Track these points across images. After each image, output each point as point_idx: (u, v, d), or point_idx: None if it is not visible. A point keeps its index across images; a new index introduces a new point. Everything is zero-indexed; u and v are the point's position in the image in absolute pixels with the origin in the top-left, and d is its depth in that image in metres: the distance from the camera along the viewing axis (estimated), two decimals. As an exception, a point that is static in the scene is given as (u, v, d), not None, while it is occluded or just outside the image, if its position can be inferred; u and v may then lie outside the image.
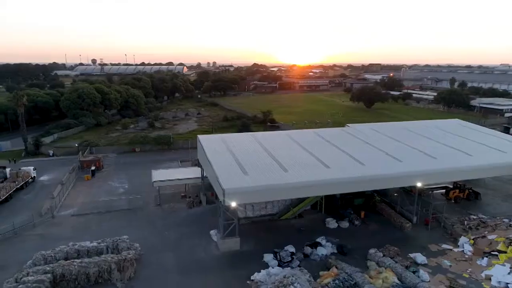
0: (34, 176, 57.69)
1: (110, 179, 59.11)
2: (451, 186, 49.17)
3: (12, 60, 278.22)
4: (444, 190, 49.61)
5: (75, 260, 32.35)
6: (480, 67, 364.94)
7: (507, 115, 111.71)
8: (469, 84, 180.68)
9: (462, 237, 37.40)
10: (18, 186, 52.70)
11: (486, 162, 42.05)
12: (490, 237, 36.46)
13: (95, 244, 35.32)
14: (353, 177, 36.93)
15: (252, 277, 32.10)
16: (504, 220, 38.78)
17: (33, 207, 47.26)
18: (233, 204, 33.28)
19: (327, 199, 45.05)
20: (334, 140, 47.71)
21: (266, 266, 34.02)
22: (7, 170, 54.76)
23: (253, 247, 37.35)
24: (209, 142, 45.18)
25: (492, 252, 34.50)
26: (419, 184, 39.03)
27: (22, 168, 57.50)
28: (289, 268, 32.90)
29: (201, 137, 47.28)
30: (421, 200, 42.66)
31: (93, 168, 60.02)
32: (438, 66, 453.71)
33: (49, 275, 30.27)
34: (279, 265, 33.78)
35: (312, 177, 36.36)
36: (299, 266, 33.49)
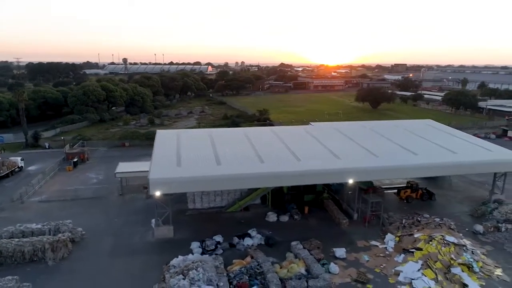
0: (22, 166, 62.43)
1: (89, 170, 63.01)
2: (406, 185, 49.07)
3: (50, 59, 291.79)
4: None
5: (14, 239, 35.76)
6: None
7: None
8: (491, 85, 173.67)
9: (388, 234, 37.84)
10: (3, 174, 57.47)
11: (428, 161, 41.99)
12: (416, 235, 36.64)
13: (39, 226, 38.68)
14: (280, 172, 38.20)
15: (170, 262, 34.20)
16: (435, 219, 38.69)
17: (9, 193, 51.58)
18: (157, 193, 35.54)
19: (275, 194, 46.33)
20: (286, 137, 48.91)
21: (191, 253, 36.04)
22: (-4, 159, 59.81)
23: (187, 235, 39.40)
24: (163, 137, 47.76)
25: (411, 250, 34.80)
26: (351, 181, 39.69)
27: (10, 158, 62.45)
28: (208, 255, 34.77)
29: (158, 132, 49.94)
30: (361, 197, 43.09)
31: (75, 159, 64.11)
32: (474, 66, 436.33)
33: (-14, 250, 33.81)
34: (203, 253, 35.73)
35: (241, 171, 38.07)
36: (216, 254, 35.20)
